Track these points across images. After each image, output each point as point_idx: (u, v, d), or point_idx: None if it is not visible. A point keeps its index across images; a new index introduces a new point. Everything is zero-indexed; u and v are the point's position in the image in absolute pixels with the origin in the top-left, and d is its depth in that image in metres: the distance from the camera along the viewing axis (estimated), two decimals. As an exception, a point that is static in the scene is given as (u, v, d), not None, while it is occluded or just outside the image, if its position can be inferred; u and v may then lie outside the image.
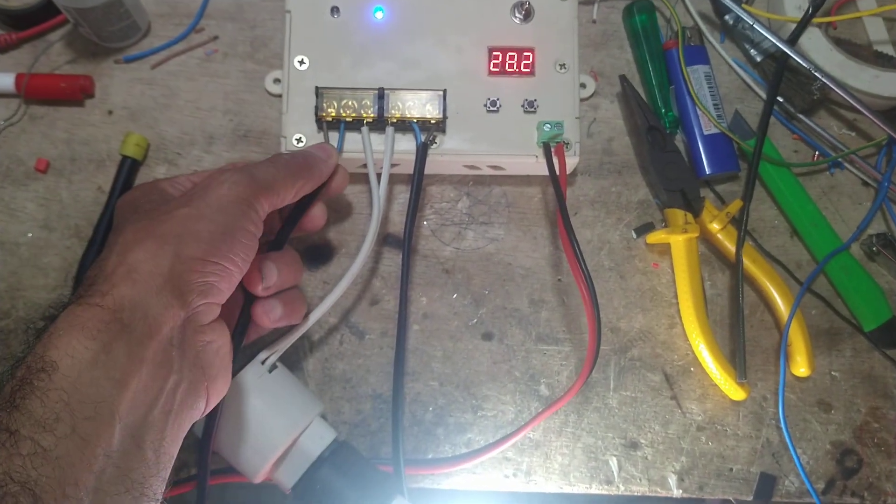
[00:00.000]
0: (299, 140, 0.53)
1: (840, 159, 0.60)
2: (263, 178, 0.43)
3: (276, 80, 0.58)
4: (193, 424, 0.47)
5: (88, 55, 0.60)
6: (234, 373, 0.49)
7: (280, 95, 0.55)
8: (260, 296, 0.46)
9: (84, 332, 0.34)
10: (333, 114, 0.52)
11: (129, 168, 0.57)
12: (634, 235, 0.59)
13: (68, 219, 0.57)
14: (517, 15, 0.56)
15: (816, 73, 0.57)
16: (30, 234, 0.57)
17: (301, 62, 0.54)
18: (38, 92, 0.58)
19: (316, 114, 0.53)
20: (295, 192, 0.46)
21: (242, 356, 0.54)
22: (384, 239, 0.58)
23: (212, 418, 0.48)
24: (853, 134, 0.61)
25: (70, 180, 0.58)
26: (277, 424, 0.48)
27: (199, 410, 0.40)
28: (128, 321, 0.35)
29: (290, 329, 0.51)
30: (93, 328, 0.34)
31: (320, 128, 0.53)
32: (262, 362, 0.50)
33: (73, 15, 0.55)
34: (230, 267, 0.40)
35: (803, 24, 0.58)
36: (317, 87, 0.53)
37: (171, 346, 0.37)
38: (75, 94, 0.58)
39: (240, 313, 0.46)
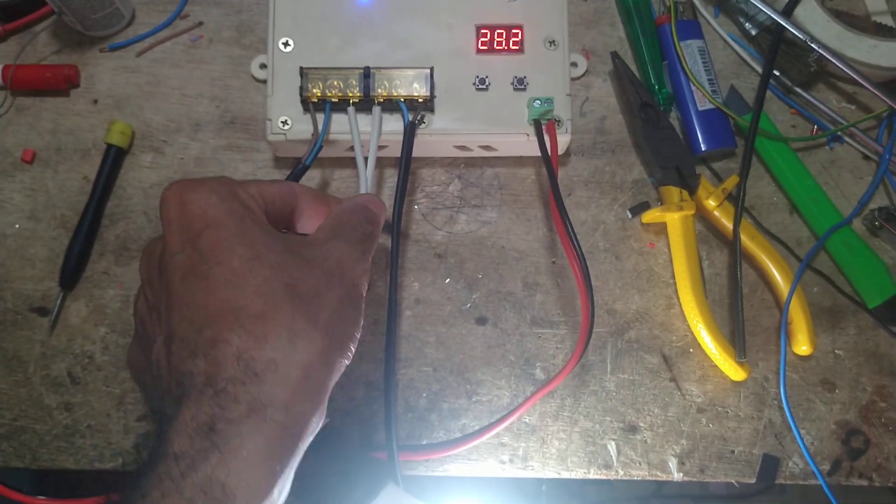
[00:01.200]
0: (285, 123, 0.52)
1: (839, 133, 0.59)
2: (368, 254, 0.41)
3: (263, 66, 0.57)
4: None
5: (73, 45, 0.59)
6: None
7: (266, 80, 0.54)
8: None
9: (268, 462, 0.31)
10: (319, 94, 0.51)
11: (114, 157, 0.56)
12: (630, 215, 0.57)
13: (55, 209, 0.57)
14: (505, -9, 0.55)
15: (813, 45, 0.56)
16: (17, 226, 0.56)
17: (286, 44, 0.53)
18: (23, 83, 0.58)
19: (301, 95, 0.52)
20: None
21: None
22: (374, 223, 0.57)
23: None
24: (852, 107, 0.60)
25: (56, 170, 0.57)
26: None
27: None
28: (300, 442, 0.33)
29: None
30: (275, 457, 0.32)
31: (306, 109, 0.52)
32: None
33: (57, 4, 0.55)
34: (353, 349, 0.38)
35: (798, -4, 0.57)
36: (301, 68, 0.52)
37: None
38: (61, 84, 0.58)
39: None
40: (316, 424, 0.35)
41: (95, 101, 0.58)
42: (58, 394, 0.54)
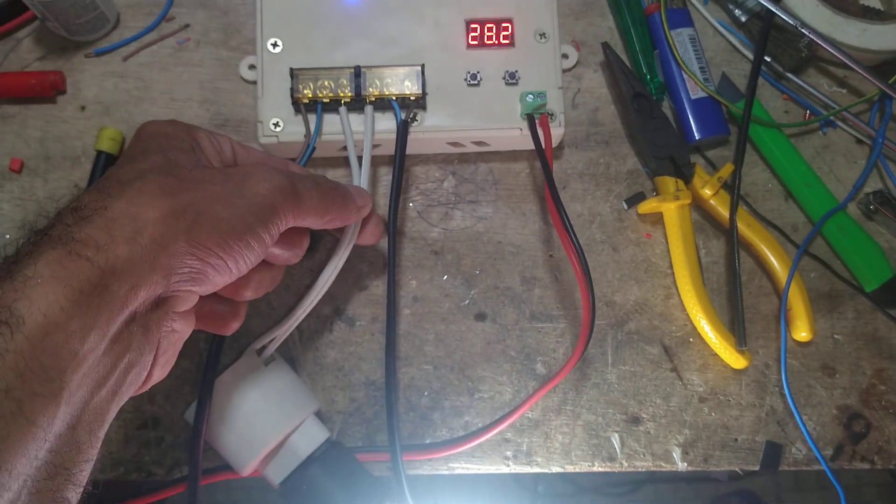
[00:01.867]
0: (276, 124, 0.52)
1: (832, 118, 0.59)
2: (302, 196, 0.40)
3: (251, 67, 0.57)
4: (184, 413, 0.47)
5: (58, 51, 0.59)
6: (228, 364, 0.49)
7: (256, 82, 0.53)
8: (239, 301, 0.44)
9: (65, 289, 0.30)
10: (310, 95, 0.51)
11: (104, 163, 0.56)
12: (625, 206, 0.57)
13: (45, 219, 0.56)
14: (494, -15, 0.54)
15: (803, 30, 0.56)
16: (7, 236, 0.56)
17: (274, 45, 0.53)
18: (8, 91, 0.57)
19: (292, 96, 0.51)
20: (324, 222, 0.43)
21: (233, 346, 0.53)
22: (370, 222, 0.56)
23: (202, 411, 0.46)
24: (844, 91, 0.60)
25: (45, 179, 0.57)
26: (270, 419, 0.47)
27: (130, 394, 0.36)
28: (111, 286, 0.31)
29: (282, 319, 0.50)
30: (75, 286, 0.30)
31: (297, 110, 0.52)
32: (258, 353, 0.49)
33: (40, 9, 0.54)
34: (231, 266, 0.37)
35: (788, -19, 0.57)
36: (291, 69, 0.51)
37: (135, 322, 0.33)
38: (46, 91, 0.57)
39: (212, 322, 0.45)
40: (141, 278, 0.33)
41: (83, 108, 0.58)
42: (56, 405, 0.53)
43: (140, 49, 0.58)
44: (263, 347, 0.50)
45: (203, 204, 0.36)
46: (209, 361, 0.49)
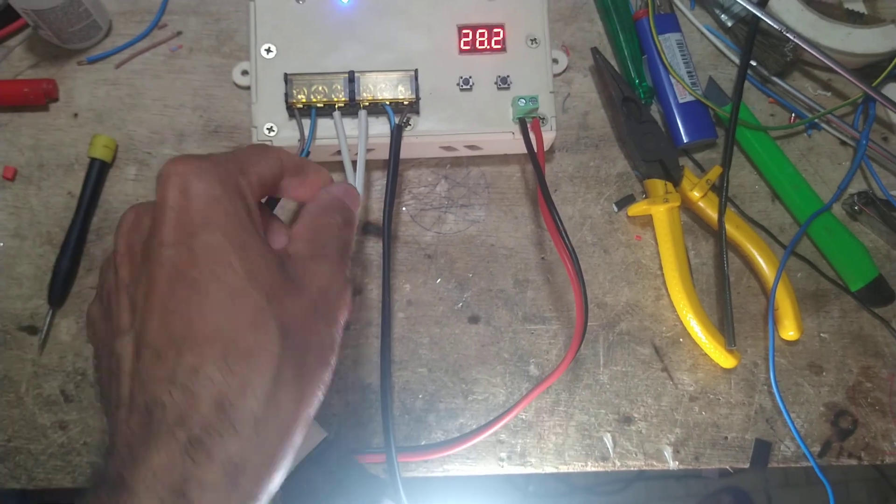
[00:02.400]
0: (270, 129, 0.52)
1: (817, 120, 0.60)
2: (346, 262, 0.39)
3: (245, 72, 0.57)
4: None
5: (50, 58, 0.59)
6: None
7: (249, 87, 0.54)
8: None
9: None
10: (304, 100, 0.51)
11: (98, 171, 0.56)
12: (616, 209, 0.58)
13: (40, 226, 0.56)
14: (484, -8, 0.55)
15: (788, 35, 0.57)
16: (1, 244, 0.56)
17: (268, 50, 0.53)
18: (1, 99, 0.57)
19: (286, 101, 0.52)
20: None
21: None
22: (364, 227, 0.57)
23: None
24: (829, 94, 0.61)
25: (39, 187, 0.57)
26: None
27: None
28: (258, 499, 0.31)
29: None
30: None
31: (291, 115, 0.52)
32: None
33: (32, 17, 0.54)
34: None
35: (772, -14, 0.58)
36: (285, 74, 0.52)
37: None
38: (39, 98, 0.57)
39: None
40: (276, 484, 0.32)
41: (76, 115, 0.58)
42: (51, 412, 0.53)
43: (132, 56, 0.59)
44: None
45: (308, 355, 0.34)
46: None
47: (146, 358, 0.31)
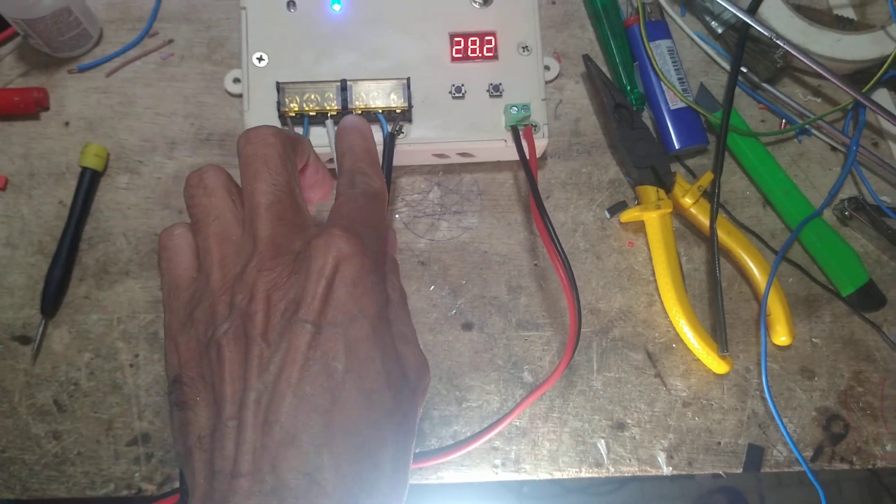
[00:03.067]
0: (263, 139, 0.52)
1: (807, 126, 0.60)
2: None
3: (236, 80, 0.57)
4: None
5: (41, 67, 0.58)
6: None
7: (241, 95, 0.54)
8: None
9: None
10: (296, 108, 0.51)
11: (89, 179, 0.56)
12: (608, 215, 0.58)
13: (31, 235, 0.56)
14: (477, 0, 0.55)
15: (778, 41, 0.57)
16: (-8, 253, 0.56)
17: (260, 59, 0.53)
18: (-9, 108, 0.57)
19: (278, 109, 0.52)
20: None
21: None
22: (356, 235, 0.57)
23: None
24: (818, 100, 0.61)
25: (30, 196, 0.56)
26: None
27: None
28: None
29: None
30: None
31: (284, 123, 0.52)
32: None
33: (22, 26, 0.54)
34: None
35: (762, -7, 0.58)
36: (277, 83, 0.52)
37: None
38: (30, 107, 0.57)
39: None
40: None
41: (67, 124, 0.58)
42: (45, 422, 0.53)
43: (124, 64, 0.59)
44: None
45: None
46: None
47: (278, 435, 0.30)
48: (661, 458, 0.55)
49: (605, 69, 0.60)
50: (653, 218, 0.56)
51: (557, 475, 0.54)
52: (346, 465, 0.30)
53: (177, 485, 0.52)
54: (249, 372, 0.31)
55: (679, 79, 0.58)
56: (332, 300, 0.32)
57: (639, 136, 0.57)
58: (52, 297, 0.54)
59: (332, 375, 0.31)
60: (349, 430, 0.30)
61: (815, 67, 0.57)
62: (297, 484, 0.29)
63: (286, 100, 0.52)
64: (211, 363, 0.33)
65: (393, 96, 0.52)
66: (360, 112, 0.52)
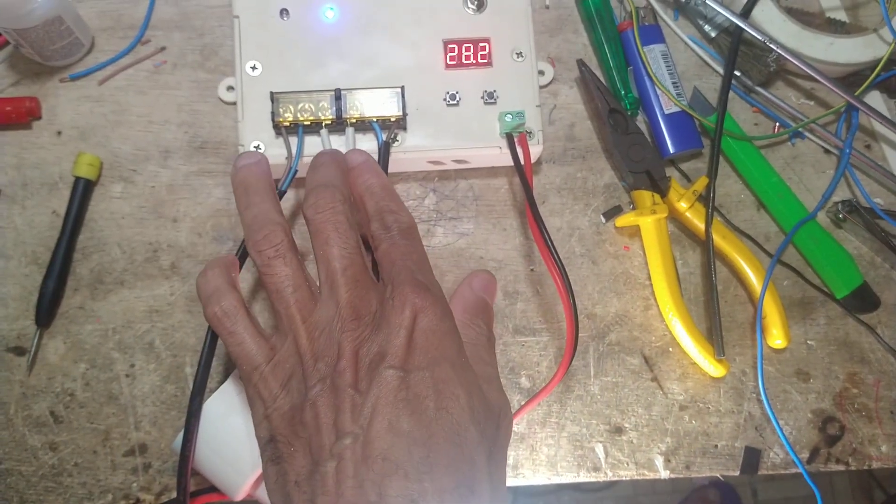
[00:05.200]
0: (257, 147, 0.52)
1: (800, 129, 0.60)
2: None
3: (230, 88, 0.57)
4: (173, 443, 0.46)
5: (32, 76, 0.58)
6: (213, 389, 0.49)
7: (234, 103, 0.53)
8: None
9: None
10: (291, 118, 0.51)
11: (83, 189, 0.55)
12: (603, 220, 0.58)
13: (24, 246, 0.56)
14: (470, 5, 0.55)
15: (771, 45, 0.57)
16: (-15, 264, 0.55)
17: (253, 67, 0.53)
18: (-18, 117, 0.57)
19: (273, 119, 0.51)
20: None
21: (219, 371, 0.53)
22: (352, 242, 0.57)
23: (189, 439, 0.47)
24: (812, 103, 0.62)
25: (23, 206, 0.56)
26: (257, 440, 0.47)
27: None
28: None
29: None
30: None
31: (278, 133, 0.52)
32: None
33: (13, 36, 0.53)
34: None
35: (755, -3, 0.58)
36: (271, 93, 0.51)
37: None
38: (22, 117, 0.56)
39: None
40: None
41: (59, 133, 0.57)
42: (41, 434, 0.53)
43: (116, 73, 0.58)
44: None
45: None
46: (196, 386, 0.49)
47: (380, 467, 0.32)
48: (659, 461, 0.55)
49: (599, 74, 0.60)
50: (648, 222, 0.56)
51: (556, 480, 0.55)
52: (448, 492, 0.32)
53: (174, 495, 0.52)
54: (343, 419, 0.34)
55: (673, 83, 0.58)
56: (414, 347, 0.35)
57: (633, 141, 0.57)
58: (47, 307, 0.54)
59: (426, 412, 0.34)
60: (446, 461, 0.33)
61: (807, 71, 0.57)
62: None
63: (280, 110, 0.51)
64: (305, 420, 0.35)
65: (387, 105, 0.52)
66: (354, 121, 0.52)
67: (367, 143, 0.52)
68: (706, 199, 0.56)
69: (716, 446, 0.55)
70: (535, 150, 0.55)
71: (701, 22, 0.62)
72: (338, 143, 0.52)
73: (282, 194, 0.49)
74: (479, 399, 0.36)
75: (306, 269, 0.40)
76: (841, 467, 0.55)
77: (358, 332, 0.37)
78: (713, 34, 0.61)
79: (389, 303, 0.37)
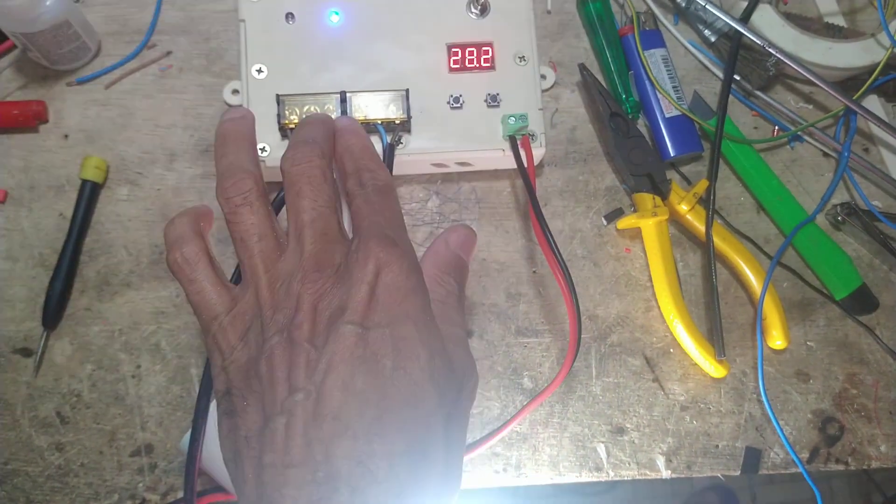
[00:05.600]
0: (263, 150, 0.53)
1: (799, 133, 0.61)
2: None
3: (235, 91, 0.57)
4: (179, 443, 0.47)
5: (39, 79, 0.59)
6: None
7: (240, 106, 0.54)
8: None
9: None
10: (296, 120, 0.52)
11: (90, 192, 0.56)
12: (605, 222, 0.59)
13: (31, 248, 0.56)
14: (473, 10, 0.56)
15: (770, 50, 0.58)
16: (-8, 266, 0.56)
17: (259, 71, 0.53)
18: (-10, 121, 0.57)
19: (278, 122, 0.52)
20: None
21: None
22: (356, 244, 0.57)
23: (196, 438, 0.47)
24: (810, 107, 0.62)
25: (30, 209, 0.57)
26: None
27: None
28: None
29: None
30: None
31: (284, 136, 0.53)
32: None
33: (21, 40, 0.54)
34: None
35: (754, 2, 0.59)
36: (277, 95, 0.52)
37: None
38: (29, 120, 0.57)
39: None
40: None
41: (66, 136, 0.58)
42: (48, 434, 0.53)
43: (122, 77, 0.59)
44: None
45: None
46: (203, 386, 0.49)
47: (329, 427, 0.31)
48: (661, 461, 0.55)
49: (600, 78, 0.60)
50: (649, 225, 0.57)
51: (558, 480, 0.55)
52: (398, 456, 0.31)
53: (180, 495, 0.53)
54: (297, 374, 0.33)
55: (673, 87, 0.59)
56: (376, 303, 0.33)
57: (634, 144, 0.58)
58: (54, 309, 0.54)
59: (382, 372, 0.32)
60: (399, 423, 0.32)
61: (806, 75, 0.58)
62: (349, 471, 0.30)
63: (286, 112, 0.52)
64: (260, 373, 0.34)
65: (392, 108, 0.53)
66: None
67: (372, 146, 0.53)
68: (706, 202, 0.57)
69: (717, 446, 0.56)
70: (538, 153, 0.55)
71: (701, 27, 0.62)
72: (343, 145, 0.52)
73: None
74: (441, 360, 0.34)
75: (276, 220, 0.38)
76: (840, 467, 0.56)
77: (318, 284, 0.35)
78: (713, 39, 0.62)
79: (354, 256, 0.35)
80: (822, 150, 0.62)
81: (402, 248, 0.36)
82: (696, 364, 0.56)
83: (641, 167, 0.58)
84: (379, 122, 0.52)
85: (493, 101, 0.54)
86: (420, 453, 0.32)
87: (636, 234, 0.59)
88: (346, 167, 0.40)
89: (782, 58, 0.58)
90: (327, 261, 0.35)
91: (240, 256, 0.37)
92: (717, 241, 0.57)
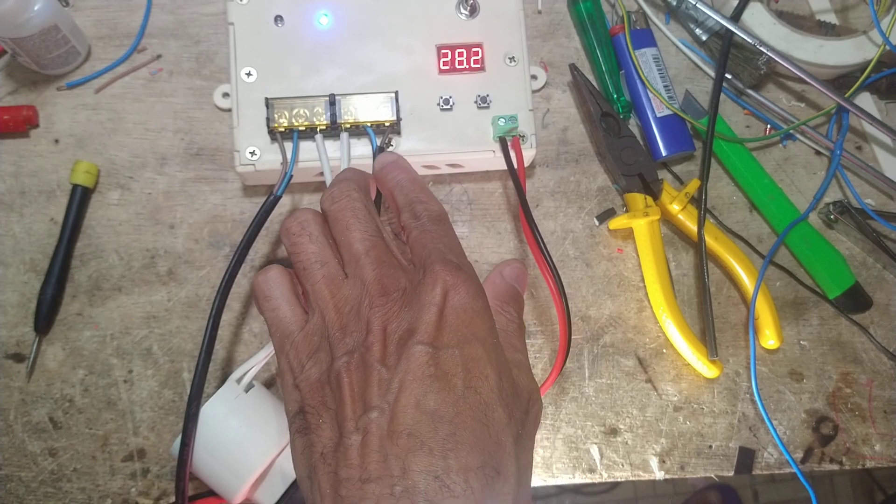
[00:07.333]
0: (253, 153, 0.52)
1: (791, 131, 0.61)
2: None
3: (225, 95, 0.57)
4: (171, 448, 0.47)
5: (29, 84, 0.59)
6: (210, 394, 0.49)
7: (230, 110, 0.54)
8: None
9: None
10: (286, 124, 0.52)
11: (80, 196, 0.56)
12: (597, 223, 0.59)
13: (23, 253, 0.56)
14: (463, 11, 0.55)
15: (762, 48, 0.58)
16: (-16, 272, 0.56)
17: (248, 74, 0.53)
18: (-20, 126, 0.57)
19: (268, 125, 0.52)
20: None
21: (216, 376, 0.54)
22: (348, 247, 0.57)
23: (187, 443, 0.47)
24: (802, 105, 0.62)
25: (21, 214, 0.57)
26: (255, 445, 0.48)
27: None
28: None
29: (261, 347, 0.50)
30: None
31: (273, 139, 0.53)
32: (238, 381, 0.49)
33: (10, 45, 0.54)
34: None
35: (745, 0, 0.59)
36: (266, 99, 0.52)
37: None
38: (19, 125, 0.57)
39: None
40: None
41: (57, 141, 0.58)
42: (41, 439, 0.53)
43: (112, 81, 0.59)
44: (243, 376, 0.50)
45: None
46: (193, 391, 0.49)
47: (405, 442, 0.32)
48: (654, 462, 0.55)
49: (591, 78, 0.60)
50: (641, 225, 0.57)
51: (551, 482, 0.55)
52: (473, 471, 0.32)
53: (172, 499, 0.53)
54: (370, 393, 0.34)
55: (665, 86, 0.59)
56: (445, 325, 0.35)
57: (626, 144, 0.58)
58: (45, 314, 0.54)
59: (453, 391, 0.33)
60: (473, 440, 0.33)
61: (798, 73, 0.58)
62: (426, 486, 0.31)
63: (275, 115, 0.52)
64: (332, 391, 0.35)
65: (381, 110, 0.53)
66: (348, 126, 0.52)
67: (362, 148, 0.53)
68: (698, 202, 0.57)
69: (710, 447, 0.56)
70: (529, 154, 0.55)
71: (692, 26, 0.62)
72: (332, 148, 0.52)
73: (277, 199, 0.50)
74: (508, 381, 0.36)
75: (336, 250, 0.39)
76: (835, 467, 0.56)
77: (386, 307, 0.36)
78: (704, 38, 0.62)
79: (421, 281, 0.36)
80: (814, 149, 0.61)
81: (467, 272, 0.37)
82: (688, 364, 0.56)
83: (633, 167, 0.58)
84: (368, 124, 0.52)
85: (483, 102, 0.54)
86: (493, 469, 0.33)
87: (628, 234, 0.59)
88: (398, 202, 0.42)
89: (774, 56, 0.57)
90: (392, 285, 0.37)
91: (304, 286, 0.39)
92: (709, 240, 0.57)
